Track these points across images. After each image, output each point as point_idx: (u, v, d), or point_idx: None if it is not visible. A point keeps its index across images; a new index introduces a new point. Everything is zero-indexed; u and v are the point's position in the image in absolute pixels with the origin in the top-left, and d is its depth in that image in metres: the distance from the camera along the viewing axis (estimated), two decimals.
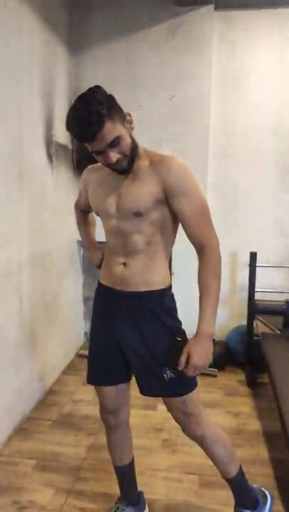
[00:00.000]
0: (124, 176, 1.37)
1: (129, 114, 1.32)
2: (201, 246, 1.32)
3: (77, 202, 1.73)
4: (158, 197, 1.30)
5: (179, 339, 1.39)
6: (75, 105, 1.22)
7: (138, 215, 1.33)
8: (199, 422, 1.45)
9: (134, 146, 1.32)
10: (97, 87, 1.24)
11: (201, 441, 1.49)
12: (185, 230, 1.34)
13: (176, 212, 1.33)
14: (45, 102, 2.66)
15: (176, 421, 1.48)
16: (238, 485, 1.58)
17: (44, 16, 2.57)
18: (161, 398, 1.47)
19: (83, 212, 1.74)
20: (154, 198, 1.30)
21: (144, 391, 1.47)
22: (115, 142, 1.24)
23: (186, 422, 1.45)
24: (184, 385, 1.41)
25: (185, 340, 1.41)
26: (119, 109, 1.28)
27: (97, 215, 1.49)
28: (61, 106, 2.93)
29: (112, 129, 1.22)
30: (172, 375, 1.38)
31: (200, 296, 1.32)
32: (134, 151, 1.32)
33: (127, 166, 1.32)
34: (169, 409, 1.47)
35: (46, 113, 2.68)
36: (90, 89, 1.23)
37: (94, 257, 1.69)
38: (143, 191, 1.31)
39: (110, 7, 3.09)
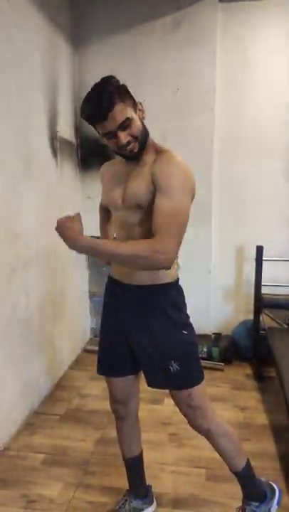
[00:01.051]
0: (132, 167, 1.38)
1: (140, 103, 1.35)
2: (154, 237, 1.23)
3: (101, 200, 1.69)
4: (151, 190, 1.30)
5: (185, 332, 1.40)
6: (90, 92, 1.26)
7: (140, 207, 1.34)
8: (205, 416, 1.46)
9: (146, 132, 1.35)
10: (110, 76, 1.28)
11: (207, 434, 1.49)
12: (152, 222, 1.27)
13: (154, 206, 1.28)
14: (49, 97, 2.66)
15: (183, 414, 1.49)
16: (246, 478, 1.58)
17: (47, 11, 2.56)
18: (168, 392, 1.48)
19: (106, 211, 1.69)
20: (149, 191, 1.30)
21: (151, 383, 1.48)
22: (126, 124, 1.26)
23: (192, 415, 1.46)
24: (189, 378, 1.42)
25: (191, 334, 1.41)
26: (131, 96, 1.31)
27: (108, 208, 1.51)
28: (65, 102, 2.92)
29: (122, 110, 1.25)
30: (178, 368, 1.38)
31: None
32: (145, 136, 1.34)
33: (138, 152, 1.33)
34: (175, 402, 1.48)
35: (50, 109, 2.68)
36: (103, 77, 1.28)
37: None
38: (141, 185, 1.32)
39: (113, 1, 3.07)
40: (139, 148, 1.34)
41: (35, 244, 2.45)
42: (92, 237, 1.47)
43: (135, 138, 1.30)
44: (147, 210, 1.32)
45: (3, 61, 2.07)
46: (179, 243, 1.25)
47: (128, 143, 1.29)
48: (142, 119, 1.35)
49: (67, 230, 1.26)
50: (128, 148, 1.31)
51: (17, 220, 2.25)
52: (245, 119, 3.19)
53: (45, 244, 2.59)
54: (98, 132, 1.32)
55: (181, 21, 3.03)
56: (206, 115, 3.12)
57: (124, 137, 1.28)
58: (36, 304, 2.48)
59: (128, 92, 1.30)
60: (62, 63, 2.89)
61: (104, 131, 1.29)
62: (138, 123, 1.31)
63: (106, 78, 1.27)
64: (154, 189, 1.28)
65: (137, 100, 1.34)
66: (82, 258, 3.39)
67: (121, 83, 1.29)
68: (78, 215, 1.32)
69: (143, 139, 1.34)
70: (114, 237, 1.57)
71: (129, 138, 1.29)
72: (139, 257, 1.21)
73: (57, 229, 1.27)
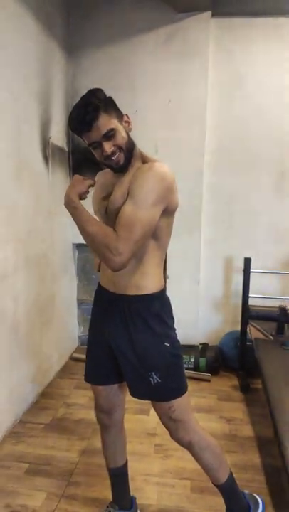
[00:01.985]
0: (119, 177, 1.39)
1: (126, 115, 1.38)
2: (116, 234, 1.25)
3: None
4: (125, 198, 1.31)
5: (167, 344, 1.40)
6: (76, 104, 1.31)
7: None
8: (187, 428, 1.45)
9: (131, 143, 1.37)
10: (97, 89, 1.33)
11: (188, 447, 1.49)
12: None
13: None
14: (42, 104, 2.67)
15: (164, 426, 1.48)
16: (228, 492, 1.57)
17: (42, 18, 2.57)
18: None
19: None
20: (123, 199, 1.31)
21: (133, 393, 1.48)
22: (110, 134, 1.29)
23: (173, 427, 1.46)
24: (170, 390, 1.41)
25: (174, 345, 1.41)
26: (117, 108, 1.35)
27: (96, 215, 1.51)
28: (58, 109, 2.93)
29: (107, 121, 1.28)
30: (158, 380, 1.38)
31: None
32: (131, 147, 1.36)
33: (124, 163, 1.35)
34: (157, 414, 1.47)
35: (43, 115, 2.68)
36: (89, 90, 1.32)
37: (95, 259, 1.68)
38: (120, 195, 1.33)
39: (108, 11, 3.11)
40: (126, 160, 1.35)
41: (24, 250, 2.44)
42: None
43: (120, 148, 1.32)
44: None
45: None
46: (133, 251, 1.25)
47: (113, 153, 1.31)
48: (128, 131, 1.37)
49: (72, 186, 1.33)
50: (113, 159, 1.32)
51: (7, 226, 2.24)
52: (236, 132, 3.23)
53: (34, 250, 2.58)
54: (85, 142, 1.35)
55: (174, 34, 3.07)
56: (197, 127, 3.15)
57: (108, 147, 1.30)
58: (24, 310, 2.47)
59: (113, 105, 1.34)
60: (56, 71, 2.90)
61: (89, 142, 1.32)
62: (123, 134, 1.33)
63: (92, 90, 1.31)
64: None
65: (124, 113, 1.37)
66: (71, 265, 3.39)
67: (107, 96, 1.33)
68: (93, 181, 1.36)
69: (129, 151, 1.35)
70: None
71: (113, 148, 1.31)
72: (97, 241, 1.26)
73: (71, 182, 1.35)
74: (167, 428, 1.47)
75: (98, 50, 3.16)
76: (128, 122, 1.38)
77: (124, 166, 1.36)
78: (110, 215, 1.37)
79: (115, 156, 1.32)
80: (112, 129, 1.29)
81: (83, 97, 1.30)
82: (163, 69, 3.11)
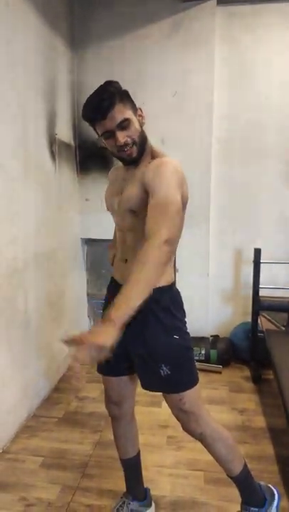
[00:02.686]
0: (131, 173, 1.41)
1: (140, 109, 1.40)
2: (148, 237, 1.18)
3: None
4: (143, 195, 1.31)
5: (176, 337, 1.40)
6: (92, 93, 1.32)
7: (132, 212, 1.37)
8: (198, 420, 1.45)
9: (144, 137, 1.39)
10: (113, 80, 1.35)
11: (200, 439, 1.49)
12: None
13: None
14: (48, 100, 2.66)
15: (175, 417, 1.49)
16: (243, 483, 1.58)
17: (46, 13, 2.56)
18: None
19: None
20: (141, 197, 1.32)
21: (144, 386, 1.48)
22: (124, 124, 1.31)
23: (184, 419, 1.46)
24: (180, 382, 1.42)
25: (184, 338, 1.42)
26: (132, 101, 1.37)
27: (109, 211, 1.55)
28: (63, 104, 2.93)
29: (122, 110, 1.30)
30: (168, 372, 1.39)
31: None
32: (143, 141, 1.38)
33: (136, 155, 1.36)
34: (168, 405, 1.48)
35: (49, 112, 2.68)
36: (106, 80, 1.34)
37: (109, 254, 1.72)
38: (135, 190, 1.35)
39: (112, 4, 3.08)
40: (138, 153, 1.36)
41: (34, 246, 2.45)
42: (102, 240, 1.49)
43: (133, 140, 1.33)
44: (139, 215, 1.34)
45: (2, 63, 2.07)
46: (174, 233, 1.21)
47: (126, 144, 1.32)
48: (141, 124, 1.38)
49: (91, 338, 1.10)
50: (126, 150, 1.34)
51: (16, 223, 2.25)
52: (243, 122, 3.20)
53: (43, 246, 2.59)
54: (97, 133, 1.36)
55: (180, 25, 3.04)
56: (204, 118, 3.12)
57: (122, 137, 1.31)
58: (35, 306, 2.48)
59: (129, 97, 1.36)
60: (61, 66, 2.89)
61: (103, 131, 1.32)
62: (137, 126, 1.35)
63: (108, 81, 1.33)
64: (146, 194, 1.28)
65: (137, 106, 1.38)
66: (80, 260, 3.39)
67: (123, 89, 1.35)
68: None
69: (141, 144, 1.36)
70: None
71: (126, 139, 1.32)
72: (152, 266, 1.14)
73: (87, 343, 1.10)
74: (179, 420, 1.48)
75: (103, 43, 3.14)
76: (141, 116, 1.39)
77: (136, 159, 1.37)
78: (121, 211, 1.41)
79: (128, 148, 1.33)
80: (127, 119, 1.31)
81: (100, 87, 1.31)
82: (169, 60, 3.08)
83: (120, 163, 1.50)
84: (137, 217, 1.36)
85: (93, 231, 3.28)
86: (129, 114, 1.32)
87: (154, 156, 1.40)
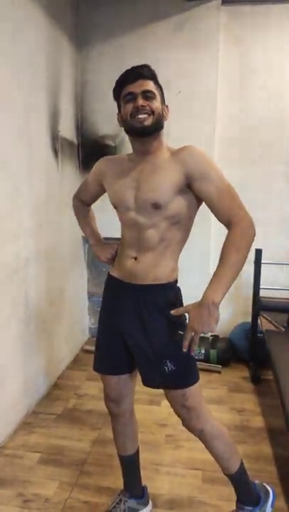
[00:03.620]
0: (143, 165, 1.39)
1: (167, 106, 1.43)
2: (231, 222, 1.28)
3: (77, 194, 1.73)
4: (179, 185, 1.32)
5: (181, 333, 1.40)
6: None
7: (156, 207, 1.33)
8: (200, 417, 1.46)
9: (162, 123, 1.39)
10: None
11: (200, 435, 1.49)
12: (214, 213, 1.33)
13: (203, 197, 1.34)
14: (51, 97, 2.66)
15: (176, 414, 1.49)
16: (239, 481, 1.58)
17: (50, 11, 2.56)
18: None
19: (84, 205, 1.73)
20: (175, 186, 1.32)
21: (146, 382, 1.48)
22: (149, 95, 1.33)
23: (186, 415, 1.46)
24: (184, 378, 1.42)
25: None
26: (163, 94, 1.41)
27: (115, 207, 1.48)
28: (67, 102, 2.93)
29: (152, 86, 1.35)
30: (173, 368, 1.39)
31: (218, 265, 1.27)
32: (160, 123, 1.37)
33: (149, 125, 1.34)
34: (170, 402, 1.48)
35: (52, 108, 2.68)
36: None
37: (104, 252, 1.61)
38: (164, 180, 1.33)
39: (116, 1, 3.08)
40: (150, 126, 1.34)
41: (35, 243, 2.46)
42: (104, 238, 1.51)
43: (152, 112, 1.33)
44: (163, 210, 1.33)
45: (6, 61, 2.07)
46: (243, 205, 1.30)
47: (143, 107, 1.32)
48: (164, 116, 1.40)
49: (200, 327, 1.25)
50: (140, 116, 1.32)
51: (18, 220, 2.26)
52: (247, 122, 3.20)
53: (45, 244, 2.60)
54: (119, 109, 1.39)
55: (184, 24, 3.04)
56: (207, 118, 3.12)
57: (142, 101, 1.32)
58: (35, 303, 2.49)
59: (162, 89, 1.41)
60: (65, 64, 2.89)
61: (126, 93, 1.34)
62: (159, 106, 1.36)
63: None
64: (187, 182, 1.31)
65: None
66: (81, 258, 3.40)
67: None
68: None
69: (157, 122, 1.36)
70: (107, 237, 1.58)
71: (145, 105, 1.32)
72: (246, 250, 1.26)
73: (198, 333, 1.27)
74: (180, 416, 1.48)
75: (107, 41, 3.14)
76: (166, 111, 1.42)
77: (147, 129, 1.34)
78: (143, 205, 1.36)
79: (143, 114, 1.32)
80: (153, 93, 1.34)
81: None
82: (173, 59, 3.08)
83: (118, 155, 1.52)
84: (159, 212, 1.34)
85: (100, 227, 3.28)
86: (157, 93, 1.36)
87: (170, 148, 1.41)
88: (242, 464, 1.57)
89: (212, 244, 3.25)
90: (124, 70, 1.38)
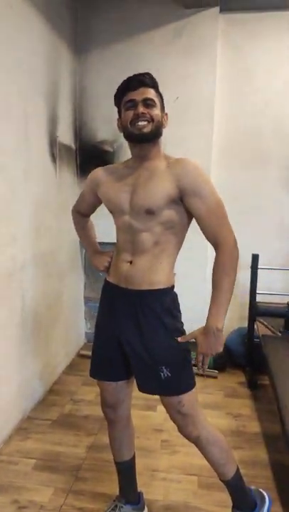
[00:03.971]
0: (139, 172, 1.41)
1: (166, 114, 1.46)
2: (217, 244, 1.34)
3: (75, 206, 1.76)
4: (172, 196, 1.34)
5: (177, 339, 1.41)
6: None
7: (150, 212, 1.36)
8: (195, 423, 1.45)
9: (161, 131, 1.42)
10: None
11: (196, 442, 1.49)
12: (201, 229, 1.37)
13: (192, 212, 1.36)
14: (49, 102, 2.67)
15: (172, 420, 1.49)
16: (235, 487, 1.58)
17: (49, 16, 2.58)
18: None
19: (82, 216, 1.75)
20: (168, 196, 1.34)
21: (142, 388, 1.48)
22: (150, 102, 1.36)
23: (181, 422, 1.46)
24: (180, 384, 1.42)
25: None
26: (163, 102, 1.44)
27: (110, 212, 1.51)
28: (65, 107, 2.94)
29: (152, 94, 1.38)
30: (169, 374, 1.39)
31: (211, 292, 1.35)
32: (159, 130, 1.40)
33: (148, 132, 1.36)
34: (166, 408, 1.48)
35: (50, 113, 2.69)
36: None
37: (100, 261, 1.61)
38: (157, 189, 1.35)
39: (115, 8, 3.10)
40: (149, 133, 1.36)
41: (32, 247, 2.46)
42: (103, 243, 1.53)
43: (151, 119, 1.36)
44: (156, 216, 1.35)
45: (5, 66, 2.08)
46: (233, 233, 1.36)
47: (144, 115, 1.34)
48: (163, 124, 1.43)
49: (209, 351, 1.37)
50: (140, 123, 1.35)
51: (15, 223, 2.26)
52: (244, 128, 3.22)
53: (42, 248, 2.60)
54: (120, 114, 1.41)
55: (182, 30, 3.06)
56: (204, 124, 3.14)
57: (142, 109, 1.35)
58: (32, 308, 2.48)
59: (162, 97, 1.44)
60: (63, 69, 2.91)
61: (127, 100, 1.37)
62: (159, 114, 1.39)
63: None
64: (180, 195, 1.34)
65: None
66: (78, 263, 3.40)
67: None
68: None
69: (156, 130, 1.38)
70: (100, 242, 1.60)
71: (146, 112, 1.35)
72: (234, 272, 1.34)
73: (208, 356, 1.38)
74: (176, 422, 1.48)
75: (105, 47, 3.16)
76: (165, 119, 1.45)
77: (146, 136, 1.37)
78: (138, 210, 1.38)
79: (142, 121, 1.35)
80: (154, 101, 1.37)
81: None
82: (171, 65, 3.10)
83: (114, 164, 1.54)
84: (153, 218, 1.36)
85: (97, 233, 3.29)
86: (157, 101, 1.38)
87: (167, 157, 1.43)
88: (238, 469, 1.56)
89: (209, 250, 3.25)
90: (122, 76, 1.41)
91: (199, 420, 1.46)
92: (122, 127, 1.42)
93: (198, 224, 1.36)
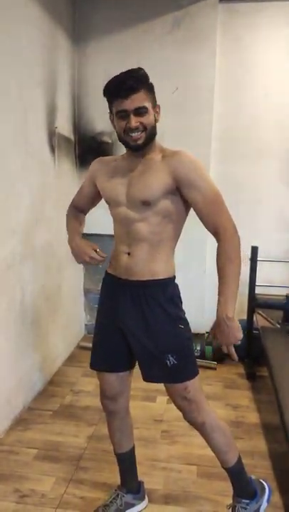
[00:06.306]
0: (135, 164, 1.41)
1: (159, 106, 1.41)
2: (217, 232, 1.35)
3: (73, 200, 1.74)
4: (168, 187, 1.35)
5: (182, 327, 1.44)
6: (121, 72, 1.33)
7: (146, 204, 1.37)
8: (200, 409, 1.48)
9: (155, 131, 1.40)
10: (143, 69, 1.36)
11: (201, 428, 1.51)
12: (200, 219, 1.38)
13: (190, 203, 1.37)
14: (48, 93, 2.65)
15: (178, 408, 1.50)
16: (237, 475, 1.60)
17: (47, 6, 2.55)
18: (161, 390, 1.49)
19: (78, 211, 1.72)
20: (164, 187, 1.35)
21: (147, 377, 1.49)
22: (142, 111, 1.32)
23: (187, 408, 1.48)
24: (185, 370, 1.44)
25: (187, 328, 1.46)
26: (154, 96, 1.38)
27: (107, 203, 1.51)
28: (64, 98, 2.92)
29: (143, 98, 1.32)
30: (175, 362, 1.41)
31: (218, 282, 1.35)
32: (153, 133, 1.38)
33: (142, 142, 1.36)
34: (171, 396, 1.49)
35: (49, 105, 2.67)
36: (139, 67, 1.36)
37: (82, 251, 1.51)
38: (153, 181, 1.36)
39: None
40: (144, 143, 1.36)
41: (31, 240, 2.45)
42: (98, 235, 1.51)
43: (144, 128, 1.34)
44: (153, 207, 1.37)
45: (3, 56, 2.06)
46: (233, 220, 1.36)
47: (136, 128, 1.32)
48: (156, 120, 1.39)
49: (228, 340, 1.36)
50: (134, 135, 1.34)
51: (14, 216, 2.25)
52: (243, 120, 3.21)
53: (41, 240, 2.59)
54: (111, 111, 1.38)
55: (181, 21, 3.03)
56: (204, 115, 3.12)
57: (135, 121, 1.32)
58: (31, 299, 2.49)
59: (153, 90, 1.38)
60: (61, 60, 2.88)
61: (118, 109, 1.33)
62: (152, 119, 1.36)
63: (140, 68, 1.35)
64: (176, 186, 1.34)
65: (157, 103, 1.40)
66: None
67: (150, 81, 1.37)
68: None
69: (150, 135, 1.37)
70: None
71: (138, 124, 1.32)
72: (238, 258, 1.34)
73: (231, 343, 1.38)
74: (181, 409, 1.49)
75: (104, 38, 3.13)
76: (158, 113, 1.41)
77: (140, 146, 1.37)
78: (133, 201, 1.39)
79: (136, 133, 1.34)
80: (145, 108, 1.32)
81: (128, 70, 1.33)
82: (170, 56, 3.07)
83: (112, 156, 1.53)
84: (149, 208, 1.37)
85: (91, 226, 3.26)
86: (148, 104, 1.33)
87: (163, 149, 1.42)
88: (240, 457, 1.58)
89: (208, 242, 3.26)
90: (121, 67, 1.37)
91: (204, 407, 1.49)
92: (117, 133, 1.40)
93: (197, 214, 1.37)
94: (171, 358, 1.41)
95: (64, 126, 2.95)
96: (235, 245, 1.34)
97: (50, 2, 2.61)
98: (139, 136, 1.34)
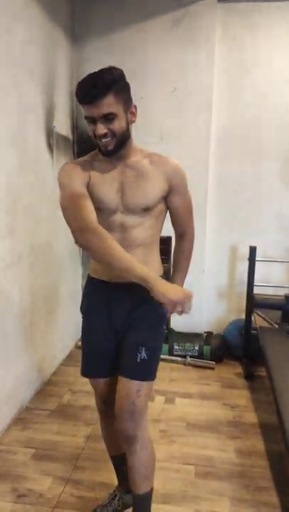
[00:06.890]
0: (122, 168, 1.39)
1: (135, 106, 1.36)
2: (184, 233, 1.58)
3: (91, 219, 1.35)
4: (164, 193, 1.43)
5: (164, 327, 1.51)
6: (91, 73, 1.26)
7: (147, 210, 1.40)
8: (138, 421, 1.41)
9: (127, 135, 1.35)
10: (117, 68, 1.29)
11: (131, 441, 1.44)
12: (174, 220, 1.53)
13: (171, 205, 1.48)
14: (47, 92, 2.65)
15: (117, 411, 1.43)
16: (142, 507, 1.54)
17: (46, 5, 2.54)
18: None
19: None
20: (161, 194, 1.42)
21: (122, 370, 1.44)
22: (110, 117, 1.27)
23: (127, 414, 1.40)
24: (149, 369, 1.43)
25: (164, 332, 1.54)
26: (128, 97, 1.33)
27: (98, 210, 1.39)
28: (62, 97, 2.91)
29: (111, 103, 1.25)
30: (145, 357, 1.41)
31: (172, 271, 1.61)
32: (125, 138, 1.34)
33: (112, 149, 1.33)
34: (120, 398, 1.42)
35: (47, 103, 2.67)
36: (110, 66, 1.29)
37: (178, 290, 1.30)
38: (153, 187, 1.39)
39: None
40: (114, 149, 1.32)
41: (29, 239, 2.45)
42: None
43: (112, 134, 1.29)
44: (151, 212, 1.41)
45: (1, 55, 2.06)
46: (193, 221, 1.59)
47: (105, 135, 1.29)
48: (129, 122, 1.34)
49: (176, 295, 1.23)
50: (103, 141, 1.30)
51: (12, 215, 2.25)
52: (242, 120, 3.21)
53: (39, 240, 2.59)
54: (88, 139, 1.38)
55: (181, 20, 3.03)
56: (203, 115, 3.13)
57: (101, 129, 1.27)
58: (29, 299, 2.48)
59: (127, 90, 1.32)
60: (60, 59, 2.88)
61: (86, 115, 1.30)
62: (122, 123, 1.30)
63: (112, 67, 1.28)
64: (168, 190, 1.43)
65: (133, 103, 1.35)
66: (76, 254, 3.39)
67: (126, 80, 1.31)
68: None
69: (122, 140, 1.33)
70: None
71: (106, 131, 1.28)
72: (190, 256, 1.63)
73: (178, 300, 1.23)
74: (120, 415, 1.41)
75: (103, 37, 3.13)
76: (133, 114, 1.35)
77: (111, 153, 1.33)
78: (133, 208, 1.39)
79: (105, 140, 1.30)
80: (113, 114, 1.26)
81: (101, 70, 1.26)
82: (169, 56, 3.08)
83: (77, 160, 1.49)
84: (147, 213, 1.40)
85: None
86: (117, 109, 1.27)
87: (144, 153, 1.42)
88: (152, 492, 1.54)
89: (207, 242, 3.26)
90: (119, 65, 1.32)
91: (142, 420, 1.43)
92: (89, 134, 1.36)
93: (173, 216, 1.52)
94: (143, 353, 1.40)
95: (62, 126, 2.95)
96: (192, 248, 1.62)
97: (49, 1, 2.60)
98: (108, 143, 1.30)
